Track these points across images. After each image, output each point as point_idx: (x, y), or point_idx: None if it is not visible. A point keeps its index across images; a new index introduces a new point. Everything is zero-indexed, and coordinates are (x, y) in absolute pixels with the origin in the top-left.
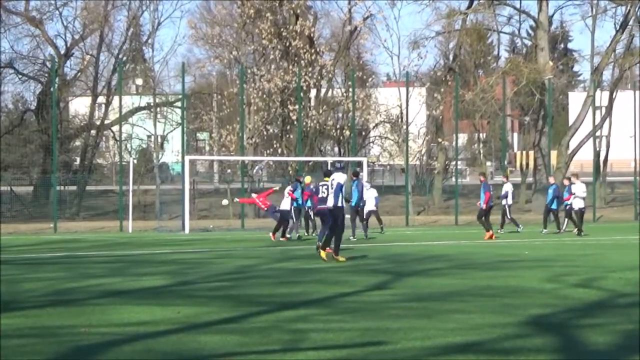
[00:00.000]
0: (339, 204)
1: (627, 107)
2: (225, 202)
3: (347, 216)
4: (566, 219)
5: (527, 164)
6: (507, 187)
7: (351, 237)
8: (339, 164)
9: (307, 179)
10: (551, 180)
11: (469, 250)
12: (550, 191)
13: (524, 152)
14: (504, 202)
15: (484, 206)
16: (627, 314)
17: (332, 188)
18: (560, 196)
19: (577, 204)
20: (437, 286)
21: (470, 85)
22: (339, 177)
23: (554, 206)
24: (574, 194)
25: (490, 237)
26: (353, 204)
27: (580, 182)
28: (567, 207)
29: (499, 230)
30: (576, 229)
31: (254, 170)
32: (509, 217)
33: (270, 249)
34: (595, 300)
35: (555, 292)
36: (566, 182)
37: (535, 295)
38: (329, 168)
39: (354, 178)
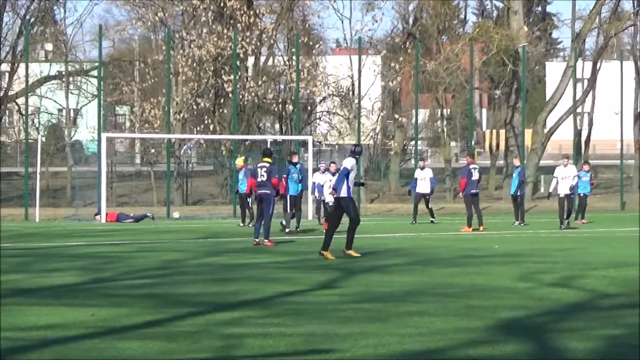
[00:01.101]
0: (345, 195)
1: (612, 80)
2: (176, 214)
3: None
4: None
5: (498, 145)
6: (427, 174)
7: (296, 228)
8: (356, 147)
9: (239, 161)
10: (516, 162)
11: (429, 243)
12: (515, 175)
13: (494, 131)
14: (422, 190)
15: (461, 193)
16: (611, 317)
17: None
18: (525, 181)
19: (563, 189)
20: (392, 285)
21: (432, 54)
22: (346, 162)
23: (517, 192)
24: (577, 176)
25: (477, 230)
26: (295, 192)
27: (572, 165)
28: (581, 194)
29: (432, 220)
30: (563, 220)
31: (182, 151)
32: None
33: (200, 242)
34: (574, 301)
35: (529, 292)
36: (585, 167)
37: (505, 296)
38: (268, 147)
39: (295, 159)
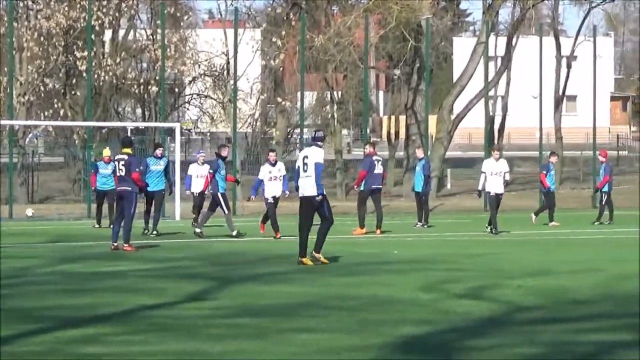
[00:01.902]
0: (322, 191)
1: (529, 58)
2: (29, 212)
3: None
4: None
5: (397, 134)
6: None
7: (152, 233)
8: (318, 132)
9: (107, 152)
10: (419, 153)
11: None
12: (419, 169)
13: (393, 118)
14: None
15: (355, 187)
16: (528, 333)
17: (304, 169)
18: (430, 175)
19: (494, 186)
20: (276, 296)
21: (321, 27)
22: (316, 155)
23: (421, 189)
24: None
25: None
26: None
27: (504, 159)
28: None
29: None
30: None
31: (27, 139)
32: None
33: (49, 246)
34: (486, 315)
35: (433, 304)
36: (553, 158)
37: (407, 309)
38: (128, 135)
39: (160, 153)
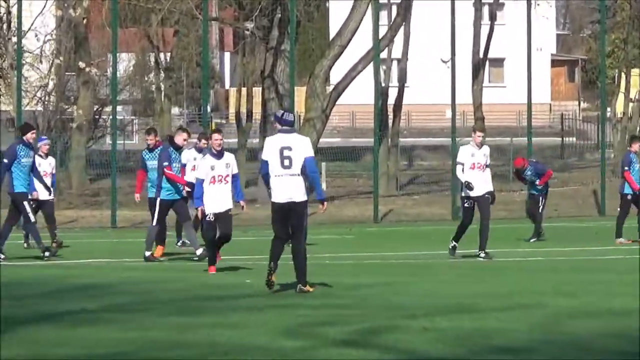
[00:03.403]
0: (305, 197)
1: (437, 8)
2: None
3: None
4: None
5: (250, 113)
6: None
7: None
8: (281, 113)
9: None
10: None
11: (144, 275)
12: None
13: (244, 90)
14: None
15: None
16: None
17: (285, 165)
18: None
19: (478, 184)
20: (79, 343)
21: None
22: (304, 146)
23: None
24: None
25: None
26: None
27: (487, 146)
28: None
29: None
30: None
31: None
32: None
33: None
34: None
35: (302, 354)
36: (635, 146)
37: None
38: None
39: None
